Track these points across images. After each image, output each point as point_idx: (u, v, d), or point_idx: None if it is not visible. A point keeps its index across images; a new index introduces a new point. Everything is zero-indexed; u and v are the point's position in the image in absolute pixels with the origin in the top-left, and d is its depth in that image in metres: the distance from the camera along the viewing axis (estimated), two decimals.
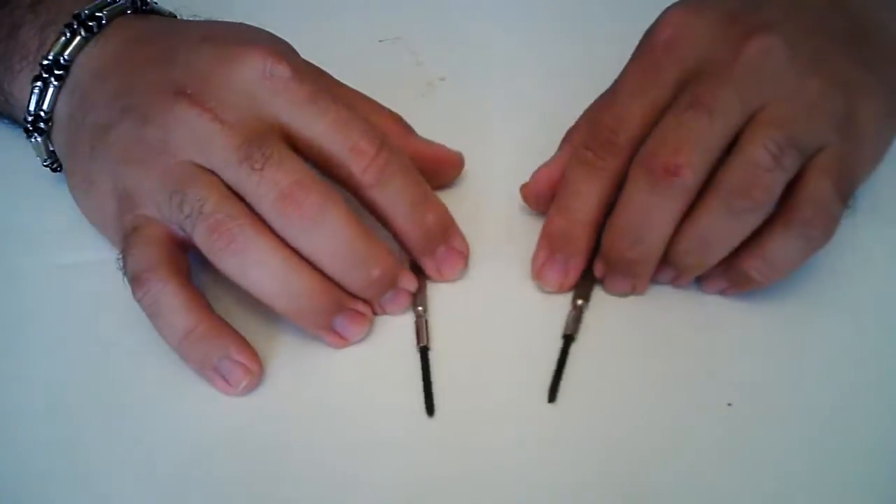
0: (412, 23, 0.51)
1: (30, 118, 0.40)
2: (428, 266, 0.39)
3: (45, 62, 0.39)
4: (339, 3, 0.52)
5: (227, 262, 0.35)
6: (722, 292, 0.39)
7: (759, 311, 0.38)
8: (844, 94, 0.35)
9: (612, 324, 0.38)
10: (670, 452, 0.35)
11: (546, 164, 0.40)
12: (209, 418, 0.36)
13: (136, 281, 0.36)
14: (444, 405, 0.36)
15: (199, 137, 0.35)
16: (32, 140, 0.41)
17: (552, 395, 0.36)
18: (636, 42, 0.37)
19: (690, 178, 0.34)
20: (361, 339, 0.38)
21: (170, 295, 0.35)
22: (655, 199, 0.35)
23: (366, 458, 0.35)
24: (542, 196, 0.40)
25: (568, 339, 0.38)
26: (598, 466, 0.34)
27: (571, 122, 0.45)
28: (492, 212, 0.43)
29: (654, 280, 0.39)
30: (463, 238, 0.39)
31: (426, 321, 0.38)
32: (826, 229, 0.35)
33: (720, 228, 0.35)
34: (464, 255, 0.39)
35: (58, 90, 0.39)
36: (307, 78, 0.37)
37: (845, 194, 0.35)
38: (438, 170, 0.42)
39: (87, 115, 0.39)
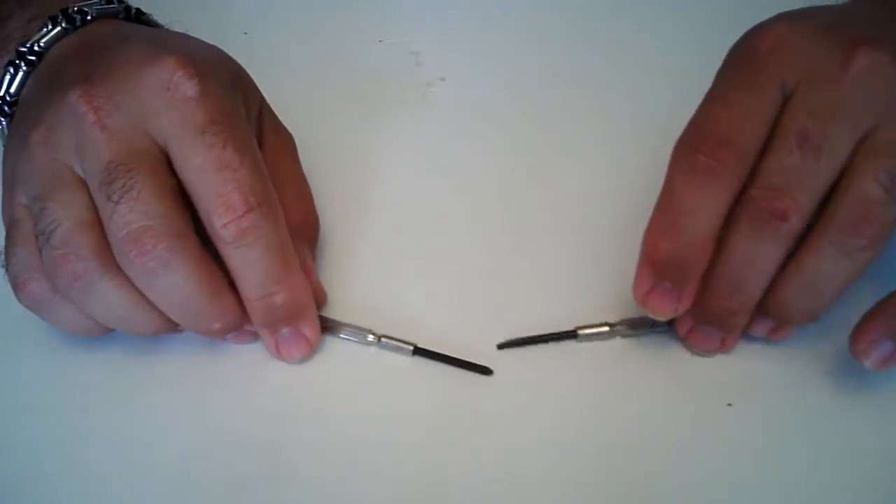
0: (412, 23, 0.51)
1: None
2: (265, 338, 0.37)
3: (21, 49, 0.38)
4: (339, 3, 0.52)
5: (70, 294, 0.34)
6: None
7: None
8: None
9: None
10: (670, 452, 0.35)
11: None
12: (208, 418, 0.36)
13: (19, 288, 0.35)
14: (443, 405, 0.36)
15: (79, 141, 0.34)
16: None
17: (506, 345, 0.37)
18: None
19: (796, 222, 0.32)
20: None
21: (57, 303, 0.35)
22: (758, 245, 0.33)
23: (365, 458, 0.35)
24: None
25: (571, 332, 0.38)
26: (598, 466, 0.34)
27: (571, 122, 0.45)
28: (490, 211, 0.42)
29: (749, 333, 0.37)
30: (315, 325, 0.37)
31: (387, 336, 0.38)
32: None
33: (830, 270, 0.33)
34: (309, 343, 0.37)
35: (27, 75, 0.38)
36: (212, 106, 0.34)
37: None
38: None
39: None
